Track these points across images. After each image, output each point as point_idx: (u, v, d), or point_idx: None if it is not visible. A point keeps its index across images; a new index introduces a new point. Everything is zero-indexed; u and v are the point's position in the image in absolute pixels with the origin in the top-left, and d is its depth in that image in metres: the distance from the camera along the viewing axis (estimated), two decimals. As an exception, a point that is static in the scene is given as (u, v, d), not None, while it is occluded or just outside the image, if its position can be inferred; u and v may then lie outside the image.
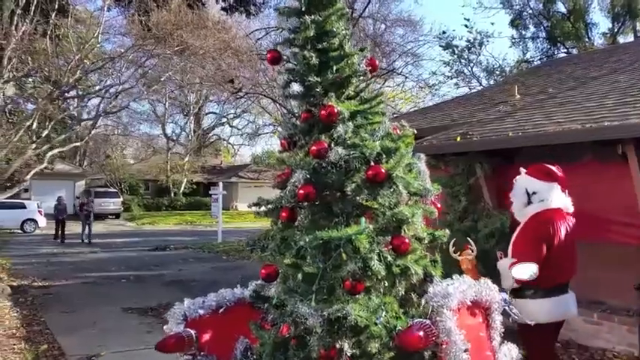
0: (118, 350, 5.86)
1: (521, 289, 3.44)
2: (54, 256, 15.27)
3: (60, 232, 19.00)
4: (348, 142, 2.22)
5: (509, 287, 3.36)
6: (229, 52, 10.45)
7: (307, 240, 2.05)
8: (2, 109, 8.06)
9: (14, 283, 9.92)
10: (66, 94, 7.83)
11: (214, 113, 49.87)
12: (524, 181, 3.74)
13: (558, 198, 3.61)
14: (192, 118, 46.27)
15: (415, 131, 2.51)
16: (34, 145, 7.38)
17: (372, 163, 2.17)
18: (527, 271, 3.23)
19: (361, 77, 2.40)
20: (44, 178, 31.62)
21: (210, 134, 51.08)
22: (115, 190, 36.30)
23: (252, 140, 49.70)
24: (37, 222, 24.51)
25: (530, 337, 3.46)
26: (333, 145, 2.22)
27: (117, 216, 33.10)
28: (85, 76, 8.37)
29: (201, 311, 2.53)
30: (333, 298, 2.02)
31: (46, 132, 7.88)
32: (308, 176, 2.20)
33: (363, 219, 2.15)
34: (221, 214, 20.25)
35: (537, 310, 3.41)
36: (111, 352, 5.80)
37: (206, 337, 2.43)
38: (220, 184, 20.20)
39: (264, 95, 27.24)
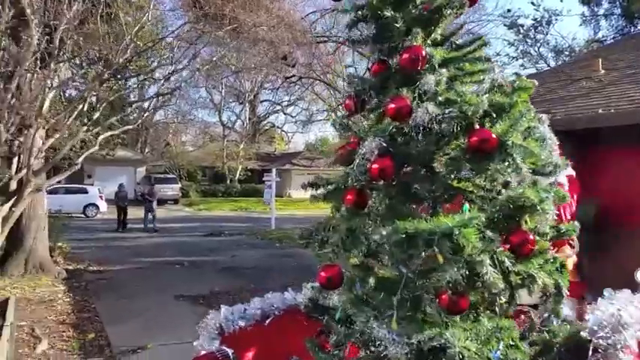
0: (164, 343, 5.53)
1: None
2: (112, 241, 15.53)
3: (122, 220, 18.85)
4: (440, 97, 1.58)
5: None
6: (283, 25, 9.87)
7: (384, 233, 1.44)
8: (57, 92, 7.90)
9: (70, 267, 9.95)
10: (117, 75, 7.55)
11: (269, 101, 50.05)
12: None
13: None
14: (247, 105, 46.54)
15: (536, 82, 1.83)
16: (84, 128, 7.14)
17: (477, 127, 1.52)
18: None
19: (456, 11, 1.72)
20: (106, 165, 32.77)
21: (265, 122, 51.32)
22: (174, 177, 37.09)
23: (306, 127, 49.67)
24: (98, 207, 25.29)
25: None
26: (418, 103, 1.59)
27: (175, 201, 33.79)
28: (136, 57, 8.07)
29: (241, 322, 1.97)
30: (423, 317, 1.41)
31: (97, 114, 7.66)
32: (384, 145, 1.58)
33: (466, 205, 1.53)
34: (274, 200, 19.97)
35: None
36: (158, 345, 5.48)
37: (248, 356, 1.85)
38: (274, 170, 19.90)
39: (319, 79, 26.67)
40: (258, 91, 47.35)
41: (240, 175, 43.17)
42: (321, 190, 1.84)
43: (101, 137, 8.03)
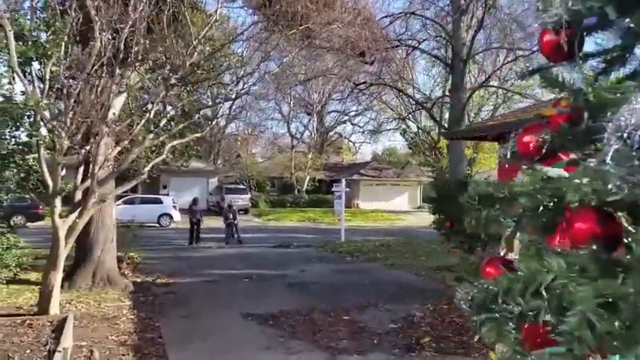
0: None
1: None
2: (183, 251, 15.44)
3: (194, 235, 17.62)
4: None
5: None
6: (360, 20, 9.16)
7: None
8: (126, 99, 7.63)
9: (138, 280, 9.72)
10: (184, 79, 7.15)
11: (336, 111, 49.77)
12: None
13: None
14: (315, 116, 46.45)
15: None
16: (151, 136, 6.77)
17: None
18: None
19: None
20: (181, 175, 33.68)
21: (332, 132, 51.02)
22: (244, 187, 37.53)
23: (374, 137, 48.76)
24: (172, 216, 25.77)
25: None
26: None
27: (245, 211, 34.00)
28: (204, 60, 7.66)
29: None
30: None
31: (164, 121, 7.29)
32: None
33: None
34: (344, 212, 19.23)
35: None
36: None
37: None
38: (343, 180, 19.19)
39: (390, 86, 25.74)
40: (325, 102, 47.21)
41: (307, 185, 43.04)
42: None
43: (169, 145, 7.66)
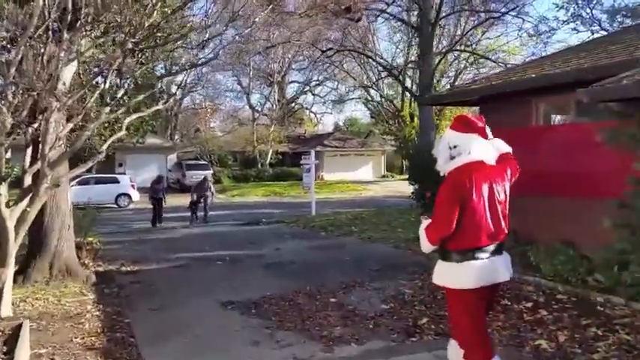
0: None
1: (447, 252, 3.36)
2: (146, 233, 14.58)
3: (157, 216, 16.49)
4: None
5: (426, 251, 3.52)
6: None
7: None
8: (77, 69, 6.71)
9: (100, 269, 8.93)
10: (142, 43, 6.30)
11: (297, 82, 48.72)
12: (447, 134, 3.53)
13: (479, 149, 3.36)
14: (275, 87, 45.26)
15: None
16: (107, 109, 5.94)
17: None
18: (422, 232, 3.42)
19: None
20: (137, 153, 32.21)
21: (293, 103, 49.99)
22: (205, 163, 36.39)
23: (336, 107, 48.17)
24: (130, 196, 24.61)
25: (456, 302, 3.37)
26: None
27: (208, 188, 32.99)
28: (163, 22, 6.80)
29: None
30: None
31: (121, 92, 6.45)
32: None
33: None
34: (313, 184, 18.68)
35: (461, 274, 3.28)
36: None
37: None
38: (312, 152, 18.56)
39: (359, 52, 25.00)
40: (286, 72, 46.06)
41: (271, 158, 42.24)
42: None
43: (127, 120, 6.84)
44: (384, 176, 43.26)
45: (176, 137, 46.73)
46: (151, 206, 16.79)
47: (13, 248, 5.64)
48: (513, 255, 8.40)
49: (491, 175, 3.33)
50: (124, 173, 29.95)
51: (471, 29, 23.94)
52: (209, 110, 42.01)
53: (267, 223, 16.28)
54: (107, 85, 6.27)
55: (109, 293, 7.23)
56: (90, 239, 11.78)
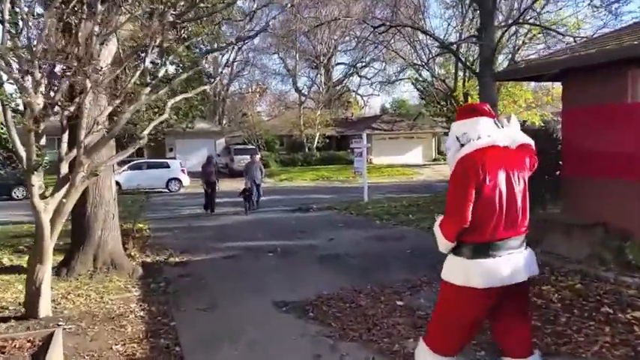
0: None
1: (459, 245, 3.06)
2: (196, 219, 14.22)
3: (209, 201, 15.57)
4: None
5: (444, 251, 3.19)
6: None
7: None
8: (119, 48, 6.13)
9: (148, 259, 8.50)
10: (183, 17, 5.62)
11: (344, 64, 47.56)
12: (453, 127, 3.24)
13: (490, 132, 3.09)
14: (322, 69, 44.33)
15: None
16: (147, 89, 5.32)
17: None
18: (437, 230, 3.16)
19: None
20: (186, 137, 32.34)
21: (340, 86, 48.90)
22: (253, 147, 36.14)
23: (384, 89, 46.63)
24: (180, 181, 24.63)
25: (453, 298, 3.12)
26: None
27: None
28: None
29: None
30: None
31: (162, 72, 5.83)
32: None
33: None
34: (366, 170, 17.78)
35: (470, 272, 2.98)
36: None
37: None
38: (364, 135, 17.64)
39: (413, 27, 23.67)
40: (332, 54, 45.02)
41: (318, 142, 41.56)
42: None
43: (170, 102, 6.23)
44: (435, 160, 41.72)
45: (224, 122, 46.84)
46: (202, 191, 16.21)
47: (50, 243, 5.17)
48: (605, 251, 7.16)
49: (508, 161, 3.04)
50: (175, 158, 30.14)
51: (535, 0, 22.06)
52: (258, 90, 41.61)
53: (318, 209, 15.61)
54: (147, 64, 5.64)
55: (155, 289, 6.73)
56: (140, 226, 11.51)
